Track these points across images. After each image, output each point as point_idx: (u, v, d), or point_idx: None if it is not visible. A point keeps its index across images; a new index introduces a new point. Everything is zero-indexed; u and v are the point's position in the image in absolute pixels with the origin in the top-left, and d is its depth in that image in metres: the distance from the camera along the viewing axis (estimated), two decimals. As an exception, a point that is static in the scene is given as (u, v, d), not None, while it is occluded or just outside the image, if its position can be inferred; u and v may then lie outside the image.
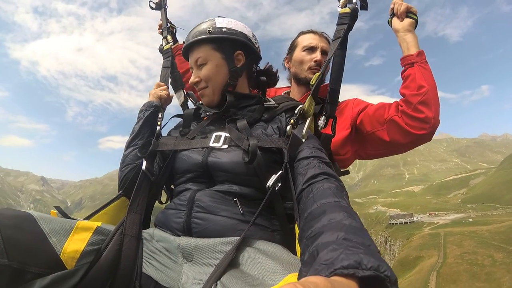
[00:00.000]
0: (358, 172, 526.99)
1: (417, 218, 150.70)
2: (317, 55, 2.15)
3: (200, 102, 1.77)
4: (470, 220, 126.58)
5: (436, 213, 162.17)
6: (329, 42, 2.22)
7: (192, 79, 1.57)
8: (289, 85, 2.35)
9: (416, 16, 1.86)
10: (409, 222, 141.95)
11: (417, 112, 1.69)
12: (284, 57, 2.39)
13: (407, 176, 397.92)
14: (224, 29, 1.55)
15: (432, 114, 1.68)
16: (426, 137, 1.74)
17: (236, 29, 1.56)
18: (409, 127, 1.72)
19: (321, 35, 2.25)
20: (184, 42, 1.68)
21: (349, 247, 0.66)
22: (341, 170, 1.80)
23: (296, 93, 2.20)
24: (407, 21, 1.85)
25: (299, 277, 0.72)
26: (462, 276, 74.85)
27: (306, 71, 2.16)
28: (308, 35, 2.26)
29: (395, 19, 1.92)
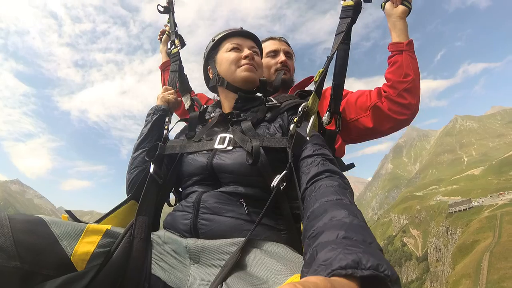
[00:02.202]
0: (415, 164, 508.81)
1: (478, 202, 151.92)
2: (281, 57, 2.29)
3: (205, 106, 1.86)
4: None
5: (506, 192, 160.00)
6: (288, 45, 2.42)
7: (250, 52, 1.66)
8: None
9: (410, 5, 1.84)
10: (468, 208, 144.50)
11: (401, 98, 1.74)
12: None
13: (466, 159, 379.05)
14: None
15: (414, 101, 1.74)
16: (407, 122, 1.82)
17: None
18: (391, 112, 1.77)
19: (279, 39, 2.40)
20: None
21: (348, 246, 0.65)
22: (346, 164, 1.81)
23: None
24: (401, 8, 1.83)
25: (301, 278, 0.70)
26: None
27: (274, 74, 2.25)
28: (268, 42, 2.38)
29: (389, 4, 1.89)
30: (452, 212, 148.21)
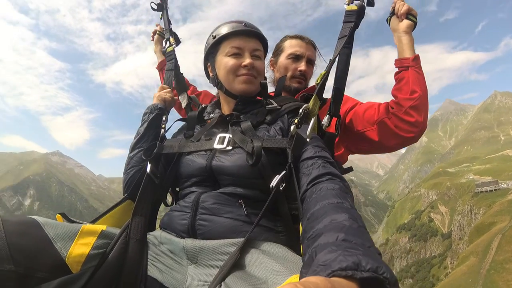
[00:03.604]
0: (450, 139, 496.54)
1: (506, 185, 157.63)
2: (302, 65, 2.18)
3: (203, 105, 1.81)
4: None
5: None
6: (315, 49, 2.30)
7: (250, 61, 1.56)
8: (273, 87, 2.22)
9: (416, 19, 1.83)
10: (494, 189, 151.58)
11: (408, 116, 1.70)
12: (270, 59, 2.39)
13: (503, 138, 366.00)
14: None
15: (421, 119, 1.70)
16: (414, 140, 1.78)
17: None
18: (398, 130, 1.74)
19: (308, 42, 2.26)
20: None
21: (348, 248, 0.66)
22: (344, 168, 1.78)
23: None
24: (406, 22, 1.82)
25: (300, 278, 0.71)
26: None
27: (290, 80, 2.18)
28: (295, 41, 2.26)
29: (394, 18, 1.88)
30: (478, 192, 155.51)
